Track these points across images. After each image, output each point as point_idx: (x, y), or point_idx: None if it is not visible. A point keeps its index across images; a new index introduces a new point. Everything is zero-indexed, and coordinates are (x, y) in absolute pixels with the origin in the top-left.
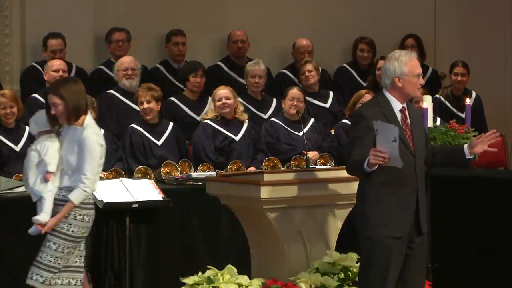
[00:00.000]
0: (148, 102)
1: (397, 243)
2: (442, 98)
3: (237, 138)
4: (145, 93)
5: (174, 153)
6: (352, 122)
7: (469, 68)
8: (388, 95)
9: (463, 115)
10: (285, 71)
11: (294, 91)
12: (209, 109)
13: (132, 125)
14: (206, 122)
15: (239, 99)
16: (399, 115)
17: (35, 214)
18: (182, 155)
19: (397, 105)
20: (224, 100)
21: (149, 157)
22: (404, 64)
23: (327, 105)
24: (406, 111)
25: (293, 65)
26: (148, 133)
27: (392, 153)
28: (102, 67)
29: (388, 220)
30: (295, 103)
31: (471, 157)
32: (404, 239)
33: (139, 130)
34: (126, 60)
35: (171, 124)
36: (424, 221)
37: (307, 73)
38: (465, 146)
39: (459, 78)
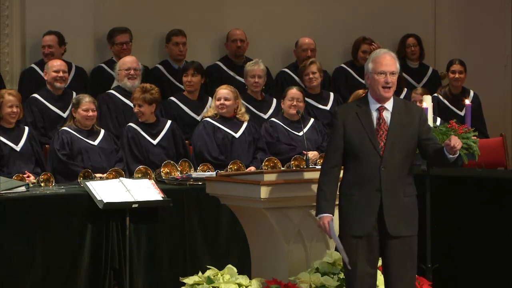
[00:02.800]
0: (140, 106)
1: (361, 242)
2: (441, 97)
3: (237, 135)
4: (138, 95)
5: (171, 152)
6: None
7: (466, 66)
8: (368, 94)
9: (461, 113)
10: (287, 70)
11: (294, 91)
12: (210, 107)
13: (129, 124)
14: (206, 120)
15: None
16: (375, 115)
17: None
18: (180, 153)
19: (374, 105)
20: (222, 101)
21: (144, 156)
22: (371, 61)
23: (328, 108)
24: (385, 111)
25: (294, 64)
26: (144, 132)
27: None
28: (103, 65)
29: (352, 219)
30: (295, 103)
31: (453, 156)
32: (368, 239)
33: (135, 129)
34: (129, 60)
35: (169, 122)
36: (396, 224)
37: (311, 75)
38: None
39: (457, 76)
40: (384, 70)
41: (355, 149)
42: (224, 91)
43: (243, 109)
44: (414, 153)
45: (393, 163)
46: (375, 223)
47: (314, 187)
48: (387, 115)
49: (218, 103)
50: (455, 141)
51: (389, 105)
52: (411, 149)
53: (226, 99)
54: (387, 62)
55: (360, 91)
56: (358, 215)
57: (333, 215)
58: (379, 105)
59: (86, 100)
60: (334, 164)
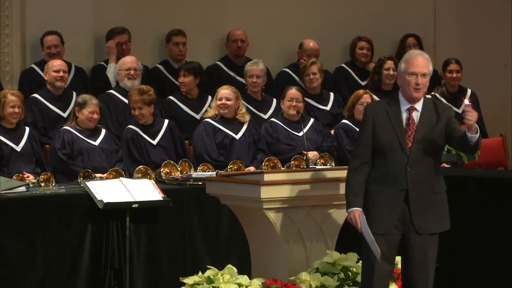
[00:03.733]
0: (140, 108)
1: (382, 239)
2: (438, 95)
3: (237, 136)
4: (137, 97)
5: (171, 151)
6: None
7: (461, 65)
8: (399, 94)
9: (459, 111)
10: (287, 70)
11: (293, 91)
12: (210, 107)
13: (129, 126)
14: (206, 121)
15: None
16: (404, 115)
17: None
18: (178, 152)
19: (404, 105)
20: (224, 101)
21: (145, 157)
22: (404, 61)
23: (328, 108)
24: (414, 112)
25: (295, 64)
26: (144, 133)
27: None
28: (103, 63)
29: (374, 216)
30: (294, 103)
31: (474, 135)
32: (388, 237)
33: (134, 130)
34: (129, 60)
35: (166, 121)
36: (424, 223)
37: (311, 76)
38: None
39: (454, 75)
40: (415, 71)
41: (382, 147)
42: (225, 91)
43: (243, 110)
44: (441, 151)
45: (419, 163)
46: (397, 222)
47: (314, 187)
48: (416, 115)
49: (219, 103)
50: (468, 112)
51: (419, 105)
52: (438, 148)
53: (227, 99)
54: (419, 63)
55: (361, 92)
56: (381, 213)
57: (362, 209)
58: (410, 105)
59: (93, 103)
60: (363, 161)
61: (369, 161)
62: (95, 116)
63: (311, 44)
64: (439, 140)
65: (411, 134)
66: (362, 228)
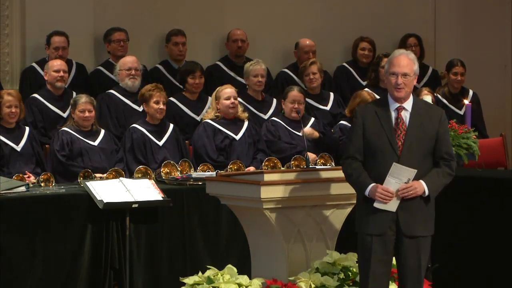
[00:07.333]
0: (164, 103)
1: (377, 240)
2: (440, 96)
3: (238, 137)
4: (159, 93)
5: (175, 153)
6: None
7: (465, 66)
8: (388, 94)
9: (461, 112)
10: (287, 70)
11: (295, 93)
12: (210, 108)
13: (134, 125)
14: (206, 122)
15: (239, 99)
16: (393, 115)
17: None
18: (182, 156)
19: (393, 105)
20: (232, 100)
21: (149, 157)
22: (387, 61)
23: (328, 108)
24: (403, 111)
25: (295, 64)
26: (150, 133)
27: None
28: (101, 67)
29: (369, 217)
30: (296, 105)
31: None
32: (385, 238)
33: (140, 130)
34: (129, 60)
35: (171, 125)
36: (411, 224)
37: (311, 76)
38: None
39: (459, 77)
40: (395, 71)
41: (373, 148)
42: (231, 90)
43: (241, 108)
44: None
45: (410, 163)
46: (390, 222)
47: (314, 187)
48: (405, 115)
49: (228, 102)
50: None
51: (408, 105)
52: (430, 150)
53: (235, 98)
54: (399, 63)
55: (365, 92)
56: (376, 213)
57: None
58: (398, 105)
59: (82, 101)
60: (356, 159)
61: (362, 159)
62: (87, 114)
63: (307, 42)
64: (430, 143)
65: (400, 134)
66: (392, 188)
